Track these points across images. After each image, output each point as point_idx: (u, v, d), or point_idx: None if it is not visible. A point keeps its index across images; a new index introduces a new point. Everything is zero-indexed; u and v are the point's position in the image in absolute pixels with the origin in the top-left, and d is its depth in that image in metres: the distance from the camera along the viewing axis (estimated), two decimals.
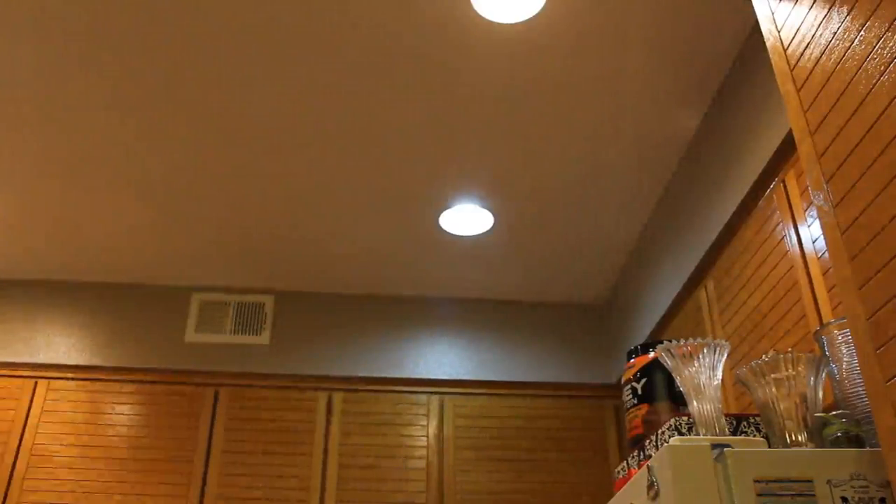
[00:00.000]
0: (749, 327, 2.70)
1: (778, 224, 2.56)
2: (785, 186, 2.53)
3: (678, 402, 2.13)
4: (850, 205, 1.42)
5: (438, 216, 3.74)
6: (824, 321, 2.25)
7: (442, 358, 4.28)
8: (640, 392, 2.21)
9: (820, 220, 1.51)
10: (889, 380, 1.29)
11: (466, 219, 3.76)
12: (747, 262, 2.76)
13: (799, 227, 2.43)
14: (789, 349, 1.95)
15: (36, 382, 4.02)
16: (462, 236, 3.89)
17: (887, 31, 1.33)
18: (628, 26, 2.72)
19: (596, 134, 3.23)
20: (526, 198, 3.61)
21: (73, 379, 4.05)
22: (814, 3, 1.56)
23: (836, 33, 1.48)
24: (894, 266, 1.29)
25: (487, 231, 3.83)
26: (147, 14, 2.69)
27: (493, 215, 3.72)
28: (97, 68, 2.93)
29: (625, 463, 2.20)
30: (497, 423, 4.13)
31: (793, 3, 1.65)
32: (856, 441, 1.74)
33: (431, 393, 4.18)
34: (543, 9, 2.64)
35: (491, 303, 4.45)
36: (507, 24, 2.71)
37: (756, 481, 1.59)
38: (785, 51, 1.67)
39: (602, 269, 4.19)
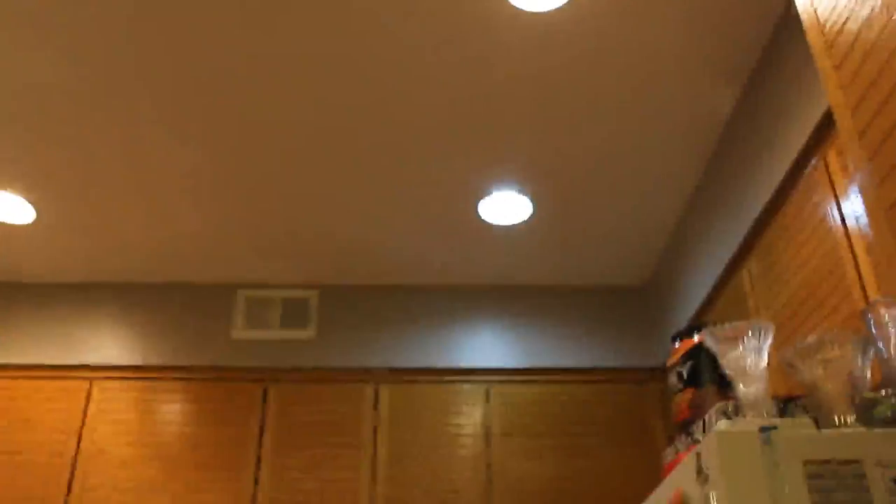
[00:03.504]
0: (794, 307, 2.67)
1: (820, 201, 2.53)
2: (826, 163, 2.50)
3: (724, 385, 2.12)
4: (893, 183, 1.40)
5: (477, 205, 3.75)
6: (870, 299, 2.22)
7: (486, 346, 4.29)
8: (685, 376, 2.21)
9: (863, 199, 1.50)
10: None
11: (506, 207, 3.76)
12: (790, 240, 2.74)
13: (842, 203, 2.40)
14: (835, 329, 1.93)
15: (91, 383, 4.12)
16: (502, 225, 3.90)
17: None
18: (660, 7, 2.70)
19: (632, 116, 3.22)
20: (564, 183, 3.61)
21: (125, 379, 4.14)
22: None
23: (874, 7, 1.46)
24: None
25: (527, 218, 3.83)
26: (191, 30, 2.74)
27: (532, 202, 3.72)
28: (145, 80, 2.99)
29: (673, 446, 2.20)
30: (543, 410, 4.14)
31: None
32: None
33: (477, 382, 4.20)
34: None
35: (533, 289, 4.45)
36: (538, 13, 2.70)
37: (805, 463, 1.58)
38: (822, 28, 1.65)
39: (643, 252, 4.17)
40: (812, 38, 1.70)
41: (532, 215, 3.81)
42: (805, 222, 2.63)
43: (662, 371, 4.04)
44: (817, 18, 1.68)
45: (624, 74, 3.00)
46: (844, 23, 1.56)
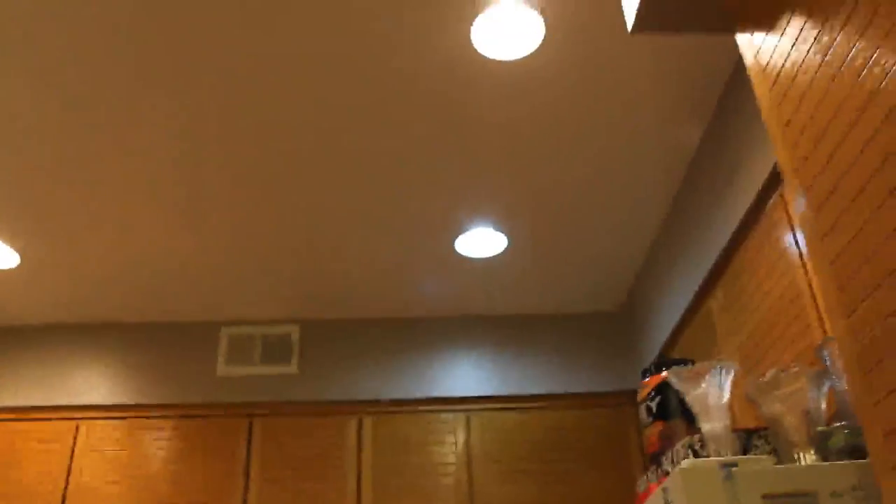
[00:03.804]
0: (758, 336, 2.80)
1: (781, 236, 2.66)
2: (785, 200, 2.63)
3: (691, 418, 2.24)
4: (835, 237, 1.52)
5: (454, 240, 3.86)
6: (827, 330, 2.35)
7: (466, 375, 4.39)
8: (654, 410, 2.31)
9: (808, 251, 1.62)
10: (877, 403, 1.40)
11: (482, 241, 3.88)
12: (753, 273, 2.86)
13: (799, 239, 2.52)
14: (793, 365, 2.05)
15: (78, 424, 4.18)
16: (478, 258, 4.01)
17: (867, 63, 1.43)
18: (625, 53, 2.83)
19: (602, 153, 3.34)
20: (538, 217, 3.73)
21: (112, 418, 4.20)
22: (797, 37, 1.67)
23: (817, 69, 1.58)
24: (879, 297, 1.39)
25: (503, 251, 3.95)
26: (174, 74, 2.84)
27: (507, 237, 3.84)
28: (124, 121, 3.08)
29: (645, 477, 2.31)
30: (523, 436, 4.24)
31: (776, 36, 1.75)
32: (859, 450, 1.84)
33: (458, 410, 4.30)
34: (542, 45, 2.76)
35: (510, 318, 4.56)
36: (508, 61, 2.83)
37: (764, 497, 1.69)
38: (770, 87, 1.78)
39: (616, 280, 4.30)
40: (761, 96, 1.82)
41: (507, 248, 3.93)
42: (767, 256, 2.76)
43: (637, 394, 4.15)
44: (766, 79, 1.80)
45: (593, 115, 3.13)
46: (790, 86, 1.68)
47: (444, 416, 4.28)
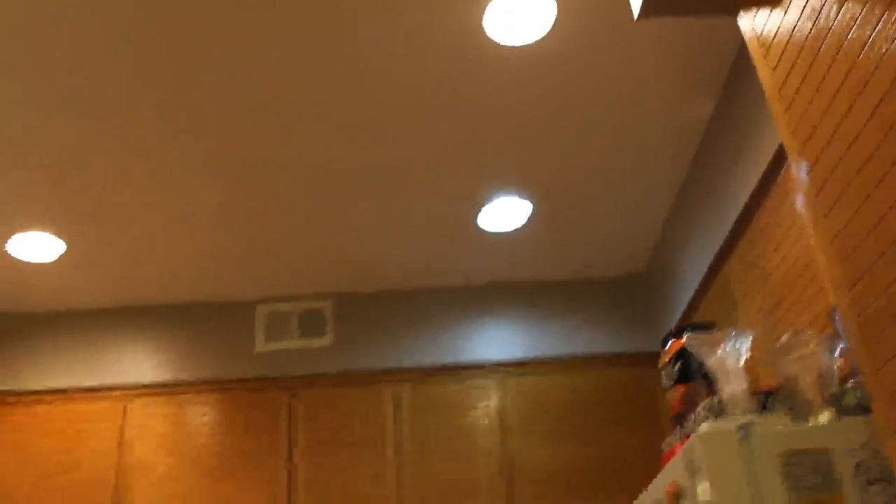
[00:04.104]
0: (774, 301, 2.90)
1: (795, 202, 2.75)
2: None
3: (711, 381, 2.35)
4: (837, 215, 1.62)
5: (479, 211, 3.97)
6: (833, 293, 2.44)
7: (496, 341, 4.53)
8: (676, 374, 2.44)
9: (812, 228, 1.72)
10: (879, 370, 1.51)
11: (506, 211, 3.97)
12: (769, 238, 2.96)
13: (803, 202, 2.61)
14: (807, 330, 2.16)
15: (126, 403, 4.37)
16: (502, 231, 4.13)
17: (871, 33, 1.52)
18: (635, 32, 2.92)
19: (619, 126, 3.43)
20: (561, 187, 3.83)
21: (159, 395, 4.39)
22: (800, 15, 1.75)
23: (821, 46, 1.66)
24: (880, 269, 1.50)
25: (527, 220, 4.06)
26: (212, 68, 2.97)
27: (532, 204, 3.94)
28: (165, 111, 3.22)
29: (670, 437, 2.44)
30: (554, 398, 4.38)
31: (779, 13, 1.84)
32: (870, 408, 1.95)
33: (490, 375, 4.44)
34: (553, 27, 2.85)
35: (537, 284, 4.68)
36: (521, 46, 2.93)
37: (780, 455, 1.82)
38: (772, 71, 1.87)
39: (637, 245, 4.40)
40: (763, 78, 1.91)
41: (531, 216, 4.04)
42: (781, 222, 2.85)
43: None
44: (769, 60, 1.89)
45: (608, 92, 3.22)
46: (792, 65, 1.77)
47: (476, 381, 4.43)
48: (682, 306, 4.01)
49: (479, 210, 3.96)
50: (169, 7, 2.71)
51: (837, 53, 1.56)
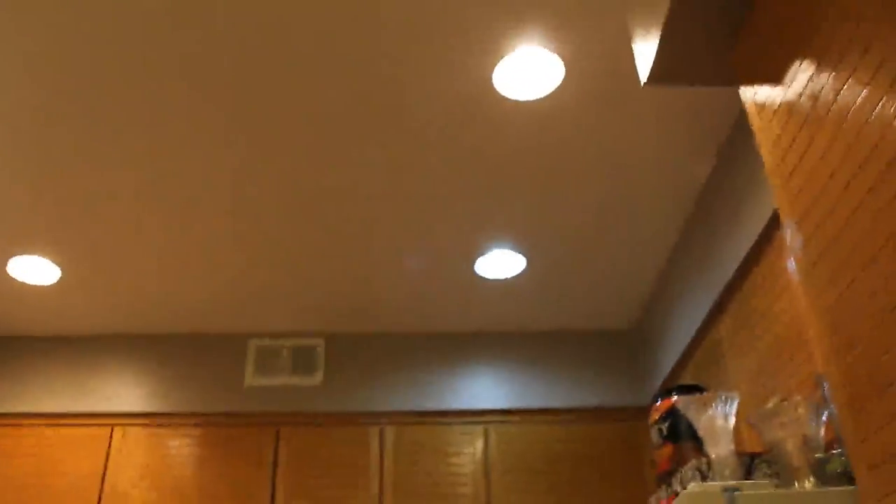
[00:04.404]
0: (762, 364, 2.95)
1: (787, 266, 2.80)
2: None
3: (700, 441, 2.39)
4: (832, 291, 1.67)
5: (475, 262, 4.03)
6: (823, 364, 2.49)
7: (485, 389, 4.56)
8: (665, 433, 2.48)
9: (806, 298, 1.77)
10: (864, 440, 1.55)
11: (501, 262, 4.04)
12: (759, 301, 3.01)
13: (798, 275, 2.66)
14: (794, 395, 2.20)
15: (112, 429, 4.37)
16: (497, 279, 4.18)
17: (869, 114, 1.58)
18: (637, 93, 3.00)
19: (616, 183, 3.50)
20: (556, 241, 3.89)
21: (144, 425, 4.39)
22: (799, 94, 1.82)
23: (818, 129, 1.72)
24: (869, 343, 1.54)
25: (521, 272, 4.11)
26: (203, 99, 3.03)
27: (525, 257, 4.00)
28: (159, 141, 3.26)
29: (656, 495, 2.46)
30: (539, 448, 4.40)
31: (777, 88, 1.90)
32: (853, 476, 1.99)
33: (477, 423, 4.46)
34: (560, 86, 2.92)
35: (528, 335, 4.73)
36: (526, 102, 3.00)
37: None
38: (773, 147, 1.93)
39: (629, 300, 4.45)
40: (764, 151, 1.97)
41: (525, 269, 4.09)
42: (773, 285, 2.90)
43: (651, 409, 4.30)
44: (769, 134, 1.95)
45: (607, 150, 3.29)
46: (792, 141, 1.83)
47: (463, 427, 4.45)
48: (671, 364, 4.05)
49: (476, 258, 4.01)
50: (177, 21, 2.77)
51: (837, 132, 1.62)
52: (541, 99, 3.00)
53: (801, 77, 1.75)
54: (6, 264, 3.95)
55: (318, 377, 4.54)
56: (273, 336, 4.65)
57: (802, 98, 1.75)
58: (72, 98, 2.98)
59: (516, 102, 3.01)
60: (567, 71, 2.87)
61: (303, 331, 4.65)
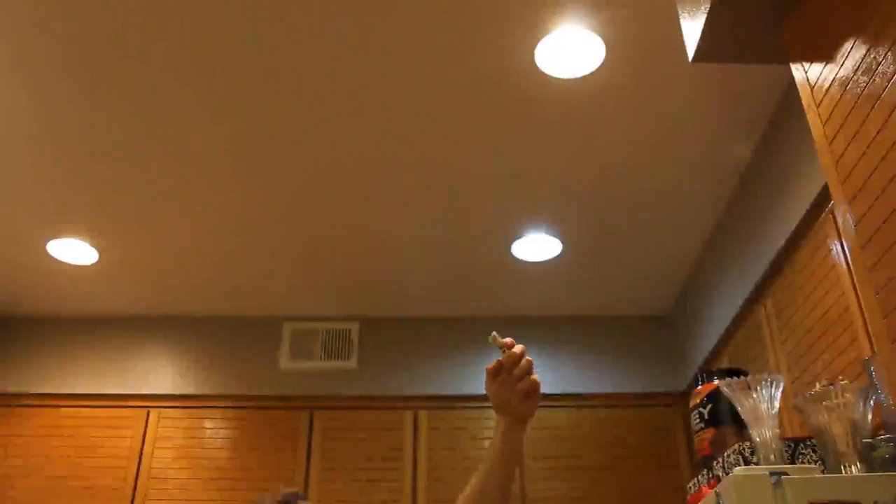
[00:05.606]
0: (805, 347, 2.90)
1: (830, 249, 2.75)
2: (834, 216, 2.72)
3: (742, 425, 2.36)
4: (882, 269, 1.64)
5: (511, 245, 4.01)
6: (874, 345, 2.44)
7: None
8: (706, 417, 2.44)
9: (856, 280, 1.73)
10: None
11: (537, 246, 4.01)
12: (803, 284, 2.96)
13: (849, 255, 2.62)
14: (841, 379, 2.16)
15: (148, 412, 4.41)
16: (533, 262, 4.16)
17: None
18: (680, 71, 2.95)
19: (655, 164, 3.46)
20: (591, 224, 3.86)
21: (180, 407, 4.43)
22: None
23: (872, 106, 1.68)
24: None
25: (557, 256, 4.09)
26: (247, 81, 3.03)
27: (561, 242, 3.97)
28: (197, 127, 3.27)
29: (696, 480, 2.44)
30: (573, 433, 4.38)
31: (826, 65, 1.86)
32: None
33: None
34: (603, 64, 2.89)
35: (563, 319, 4.69)
36: (570, 79, 2.96)
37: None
38: (823, 126, 1.89)
39: (667, 284, 4.41)
40: (814, 128, 1.93)
41: (561, 253, 4.06)
42: (817, 268, 2.85)
43: (687, 395, 4.26)
44: (820, 113, 1.91)
45: (649, 130, 3.25)
46: (844, 120, 1.79)
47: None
48: (709, 348, 4.00)
49: (512, 241, 3.98)
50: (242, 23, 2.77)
51: (893, 110, 1.58)
52: (582, 77, 2.96)
53: (856, 54, 1.71)
54: (47, 245, 3.99)
55: (352, 361, 4.54)
56: (308, 319, 4.65)
57: (857, 75, 1.71)
58: (115, 84, 3.00)
59: (559, 80, 2.97)
60: (608, 50, 2.83)
61: (337, 314, 4.66)
